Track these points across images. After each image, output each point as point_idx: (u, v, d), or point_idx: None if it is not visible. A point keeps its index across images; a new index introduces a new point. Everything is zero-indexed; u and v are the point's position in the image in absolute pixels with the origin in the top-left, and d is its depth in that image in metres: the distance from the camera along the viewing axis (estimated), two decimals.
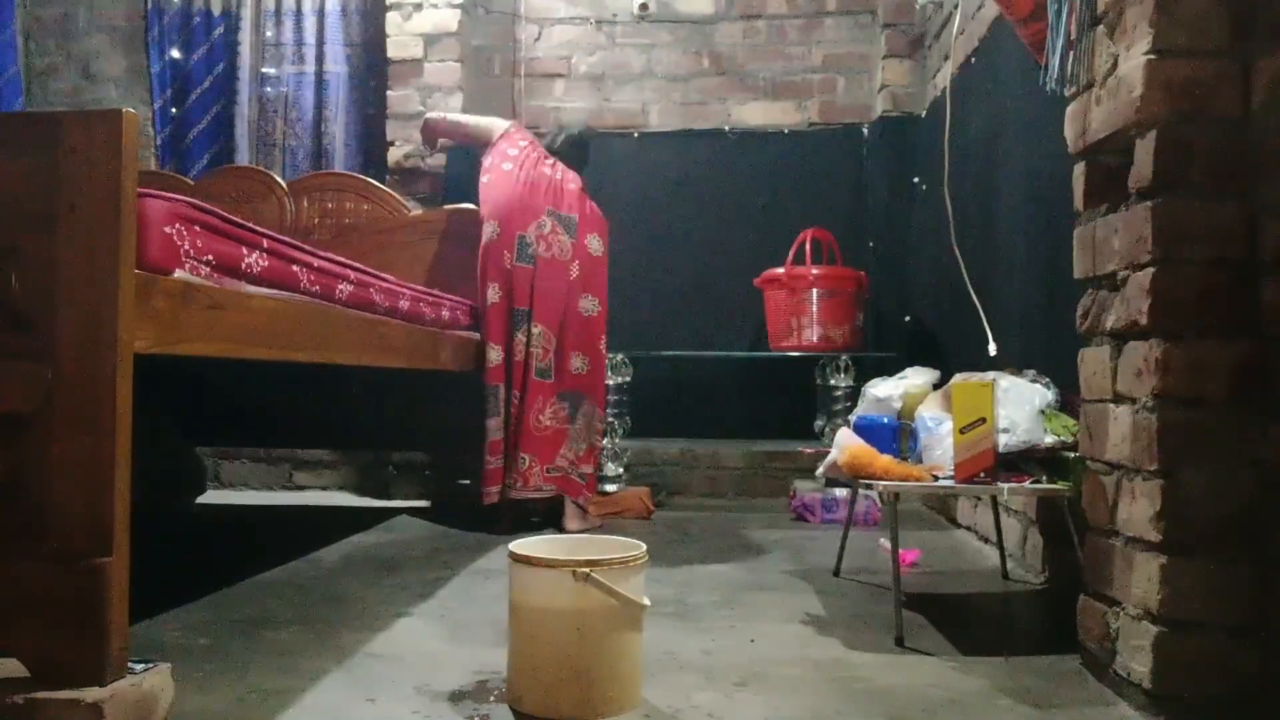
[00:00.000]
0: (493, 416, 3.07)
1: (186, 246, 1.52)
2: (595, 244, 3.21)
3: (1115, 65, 1.57)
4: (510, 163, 3.23)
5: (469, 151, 3.89)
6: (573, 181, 3.25)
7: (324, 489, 4.03)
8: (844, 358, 3.62)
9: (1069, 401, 1.97)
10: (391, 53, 3.94)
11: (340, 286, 2.13)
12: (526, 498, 3.07)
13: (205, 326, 1.52)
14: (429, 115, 3.63)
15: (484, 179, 3.26)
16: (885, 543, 2.56)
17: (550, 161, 3.26)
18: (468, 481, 3.55)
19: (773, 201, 4.06)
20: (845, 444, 2.09)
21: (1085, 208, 1.72)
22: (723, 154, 4.11)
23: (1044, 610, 2.16)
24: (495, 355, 3.09)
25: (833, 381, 3.62)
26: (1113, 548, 1.57)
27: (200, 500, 3.81)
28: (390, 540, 2.92)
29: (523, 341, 3.11)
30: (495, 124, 3.40)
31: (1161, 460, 1.43)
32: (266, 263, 1.80)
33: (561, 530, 3.01)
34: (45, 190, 1.25)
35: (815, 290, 3.60)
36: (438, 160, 3.92)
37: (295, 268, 1.92)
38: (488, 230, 3.16)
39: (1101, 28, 1.63)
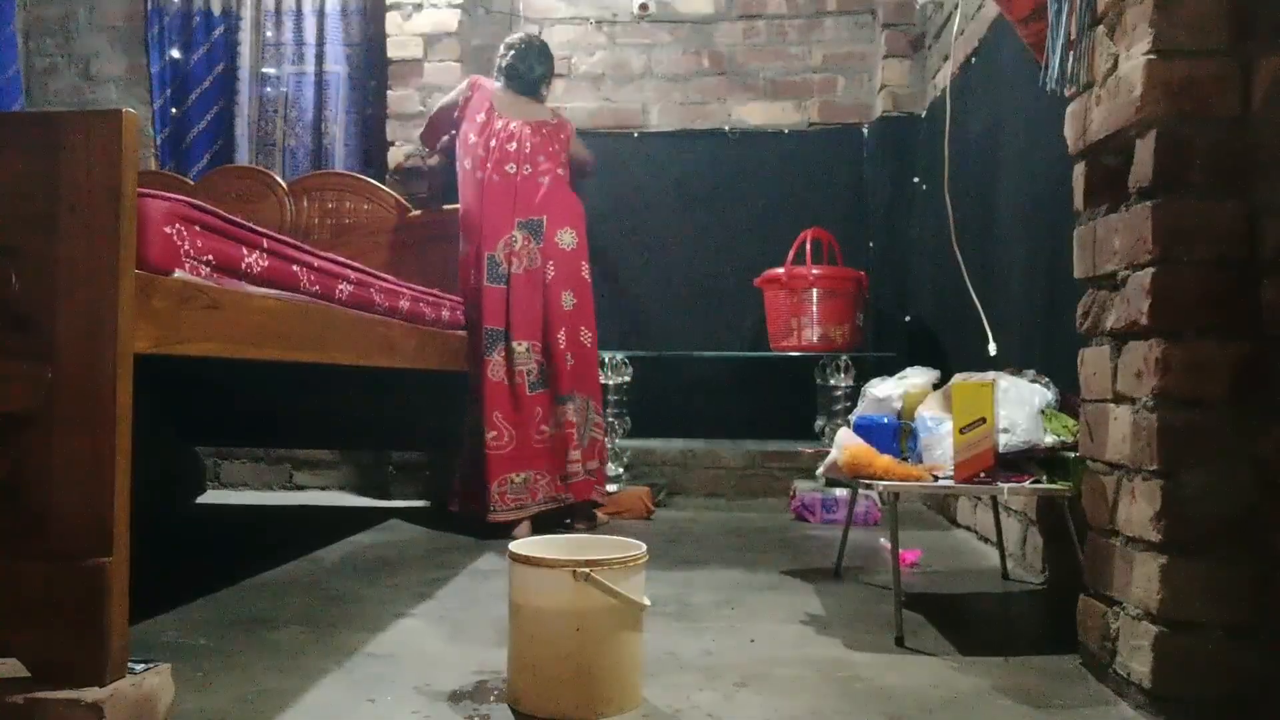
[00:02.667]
0: (476, 434, 3.05)
1: (186, 246, 1.52)
2: (567, 238, 3.16)
3: (1115, 65, 1.57)
4: (469, 157, 3.19)
5: None
6: (540, 133, 3.20)
7: (324, 489, 4.02)
8: (844, 358, 3.62)
9: (1069, 401, 1.97)
10: (391, 53, 3.94)
11: (340, 286, 2.13)
12: (538, 512, 3.02)
13: (205, 326, 1.52)
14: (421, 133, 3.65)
15: (458, 172, 3.26)
16: (885, 543, 2.56)
17: (514, 127, 3.18)
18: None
19: (773, 201, 4.05)
20: (845, 444, 2.09)
21: (1085, 208, 1.72)
22: (723, 154, 4.11)
23: (1044, 610, 2.16)
24: (474, 374, 3.11)
25: (833, 381, 3.62)
26: (1113, 548, 1.57)
27: (200, 500, 3.81)
28: (390, 540, 2.92)
29: (501, 361, 3.07)
30: (456, 93, 3.36)
31: (1161, 460, 1.43)
32: (266, 263, 1.80)
33: (570, 531, 3.01)
34: (45, 190, 1.25)
35: (815, 290, 3.60)
36: (438, 160, 3.92)
37: (295, 268, 1.92)
38: (461, 245, 3.18)
39: (1101, 28, 1.63)
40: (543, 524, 3.03)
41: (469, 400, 3.12)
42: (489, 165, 3.15)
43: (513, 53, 3.32)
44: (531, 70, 3.30)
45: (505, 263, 3.10)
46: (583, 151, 3.48)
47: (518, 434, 3.05)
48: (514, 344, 3.07)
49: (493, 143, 3.17)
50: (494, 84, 3.31)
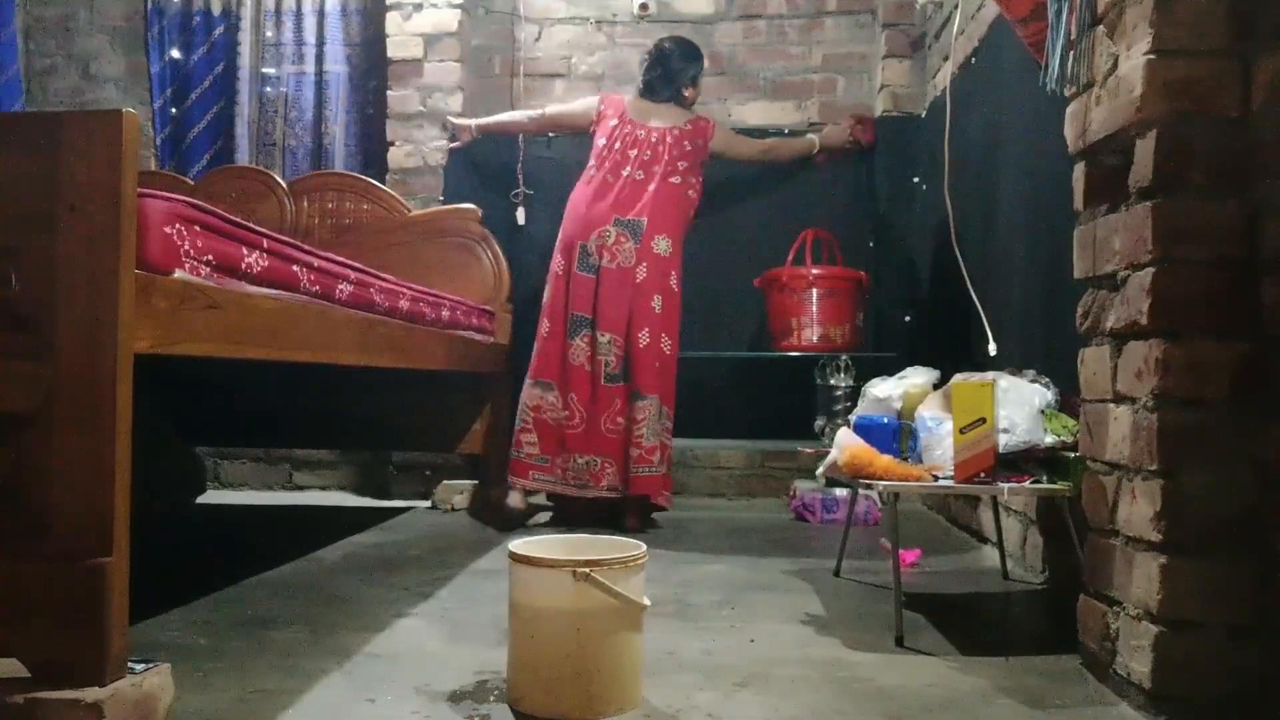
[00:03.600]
0: (530, 410, 3.16)
1: (186, 246, 1.52)
2: (663, 244, 3.22)
3: (1115, 65, 1.57)
4: (594, 159, 3.33)
5: (468, 153, 3.89)
6: (666, 139, 3.29)
7: (324, 489, 4.03)
8: (844, 358, 3.62)
9: (1069, 401, 1.97)
10: (391, 53, 3.94)
11: (340, 286, 2.13)
12: (598, 497, 3.13)
13: (205, 326, 1.52)
14: (499, 120, 3.75)
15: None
16: (885, 543, 2.56)
17: (642, 133, 3.29)
18: (475, 482, 3.56)
19: (773, 201, 4.05)
20: (845, 444, 2.09)
21: (1085, 208, 1.72)
22: None
23: (1044, 610, 2.16)
24: (537, 353, 3.22)
25: (833, 381, 3.62)
26: (1113, 548, 1.56)
27: (200, 500, 3.81)
28: (390, 540, 2.92)
29: (585, 346, 3.17)
30: (585, 108, 3.48)
31: (1161, 460, 1.43)
32: (266, 263, 1.80)
33: (622, 529, 3.04)
34: (45, 190, 1.25)
35: (815, 290, 3.60)
36: (438, 160, 3.93)
37: (295, 268, 1.92)
38: (560, 235, 3.30)
39: (1101, 28, 1.63)
40: (597, 521, 3.06)
41: (542, 375, 3.21)
42: (606, 165, 3.29)
43: (645, 64, 3.44)
44: (665, 76, 3.38)
45: (596, 254, 3.20)
46: (748, 147, 3.57)
47: (589, 418, 3.15)
48: (599, 334, 3.17)
49: (617, 144, 3.31)
50: (627, 97, 3.44)
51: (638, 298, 3.18)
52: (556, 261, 3.27)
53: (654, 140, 3.30)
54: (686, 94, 3.42)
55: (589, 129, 3.45)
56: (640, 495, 3.14)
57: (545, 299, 3.27)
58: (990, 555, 2.62)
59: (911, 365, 2.55)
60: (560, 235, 3.30)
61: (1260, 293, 1.42)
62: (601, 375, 3.16)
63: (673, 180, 3.28)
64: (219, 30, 4.15)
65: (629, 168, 3.26)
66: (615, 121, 3.34)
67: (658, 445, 3.16)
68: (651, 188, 3.25)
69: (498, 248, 3.68)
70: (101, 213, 1.26)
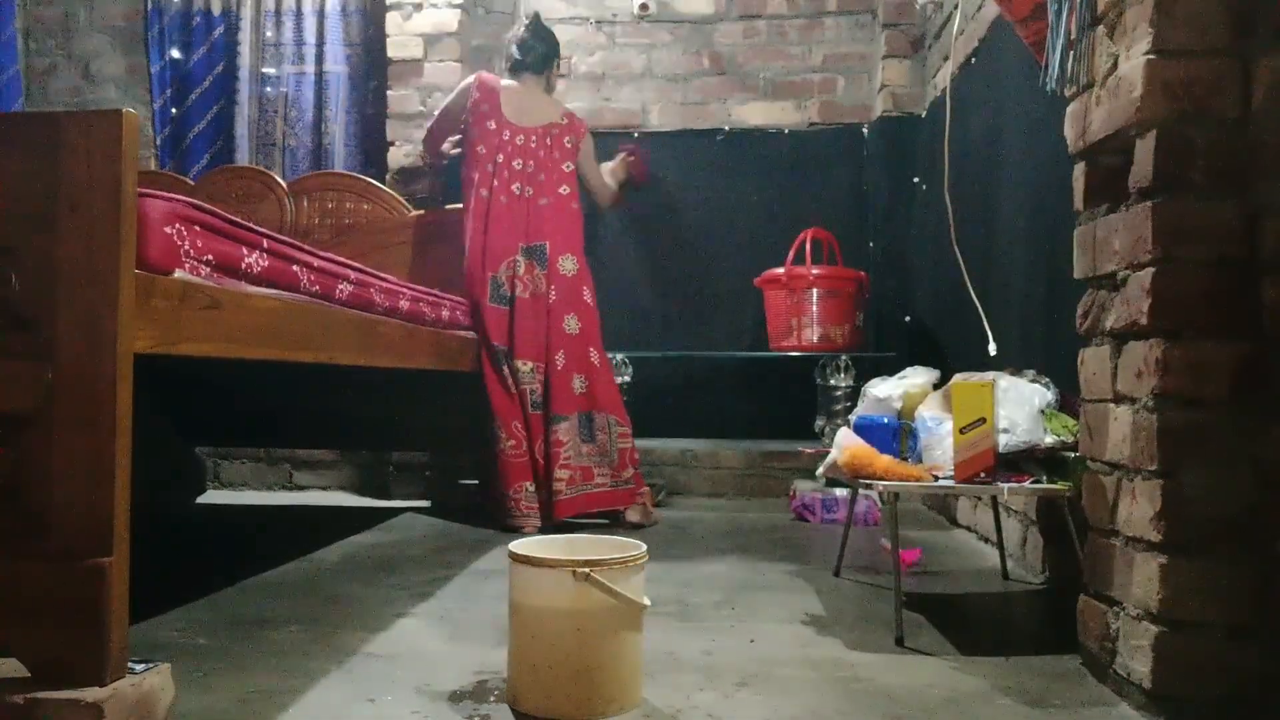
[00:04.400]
0: (496, 444, 3.12)
1: (186, 246, 1.52)
2: (568, 264, 3.20)
3: (1115, 65, 1.57)
4: (478, 170, 3.21)
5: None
6: (545, 142, 3.22)
7: (324, 489, 4.02)
8: (844, 358, 3.62)
9: (1069, 401, 1.97)
10: (391, 53, 3.94)
11: (340, 286, 2.13)
12: (566, 521, 3.09)
13: (205, 326, 1.52)
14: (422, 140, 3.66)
15: (463, 179, 3.28)
16: (885, 542, 2.56)
17: (521, 140, 3.20)
18: (475, 482, 3.56)
19: (773, 201, 4.06)
20: (845, 444, 2.09)
21: (1085, 208, 1.72)
22: (723, 154, 4.11)
23: (1044, 610, 2.16)
24: (489, 383, 3.16)
25: (833, 381, 3.62)
26: (1113, 548, 1.57)
27: (200, 500, 3.81)
28: (390, 540, 2.92)
29: (509, 376, 3.15)
30: (461, 93, 3.37)
31: (1161, 460, 1.43)
32: (266, 263, 1.80)
33: (623, 525, 3.10)
34: (45, 190, 1.25)
35: (815, 290, 3.60)
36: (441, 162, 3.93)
37: (295, 267, 1.92)
38: (466, 259, 3.22)
39: (1101, 28, 1.63)
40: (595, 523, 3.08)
41: (485, 405, 3.17)
42: (495, 184, 3.19)
43: (517, 39, 3.34)
44: (533, 50, 3.31)
45: (508, 285, 3.16)
46: (595, 176, 3.43)
47: (530, 446, 3.13)
48: (517, 363, 3.14)
49: (500, 157, 3.20)
50: (500, 81, 3.31)
51: (552, 321, 3.16)
52: (474, 293, 3.19)
53: (533, 145, 3.22)
54: (551, 77, 3.37)
55: (462, 118, 3.32)
56: (623, 506, 3.15)
57: (477, 331, 3.20)
58: (990, 555, 2.62)
59: (911, 365, 2.55)
60: (467, 268, 3.20)
61: (1260, 293, 1.42)
62: (529, 403, 3.13)
63: (562, 191, 3.24)
64: (219, 30, 4.15)
65: (518, 184, 3.19)
66: (494, 124, 3.21)
67: (618, 456, 3.15)
68: (543, 203, 3.20)
69: None
70: (101, 213, 1.25)
